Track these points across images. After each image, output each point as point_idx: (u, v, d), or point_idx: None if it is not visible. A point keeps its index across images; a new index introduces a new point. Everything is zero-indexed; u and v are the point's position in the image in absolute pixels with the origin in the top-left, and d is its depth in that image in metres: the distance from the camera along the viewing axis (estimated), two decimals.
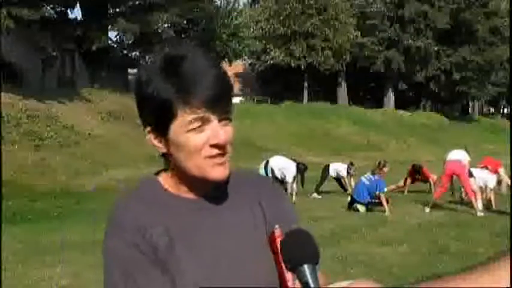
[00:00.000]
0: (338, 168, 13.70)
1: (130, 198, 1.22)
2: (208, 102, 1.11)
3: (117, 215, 1.18)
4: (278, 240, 1.19)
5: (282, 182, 12.23)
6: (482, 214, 10.25)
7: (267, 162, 12.38)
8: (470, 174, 10.80)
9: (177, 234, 1.16)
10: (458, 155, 11.27)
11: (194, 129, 1.12)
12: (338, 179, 13.87)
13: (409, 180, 13.75)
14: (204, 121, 1.12)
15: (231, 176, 1.25)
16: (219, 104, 1.13)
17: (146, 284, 1.12)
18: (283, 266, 1.16)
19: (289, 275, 1.17)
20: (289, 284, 1.17)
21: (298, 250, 1.07)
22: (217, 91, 1.12)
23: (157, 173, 1.26)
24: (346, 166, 13.65)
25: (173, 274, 1.13)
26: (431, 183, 13.12)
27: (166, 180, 1.23)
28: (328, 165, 13.78)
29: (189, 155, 1.14)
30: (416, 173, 13.64)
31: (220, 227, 1.20)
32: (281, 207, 1.29)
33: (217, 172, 1.16)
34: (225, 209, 1.22)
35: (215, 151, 1.14)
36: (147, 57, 36.41)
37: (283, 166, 12.25)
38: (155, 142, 1.18)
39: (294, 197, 11.94)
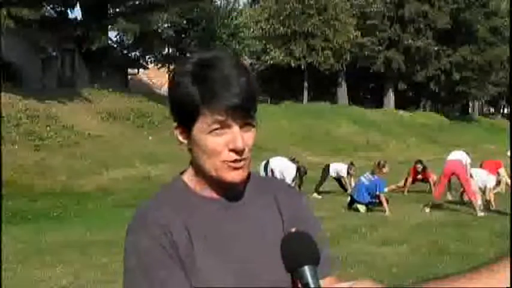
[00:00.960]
0: (338, 168, 13.70)
1: (156, 197, 1.27)
2: (230, 110, 1.15)
3: (142, 213, 1.23)
4: None
5: None
6: (482, 214, 10.25)
7: (267, 162, 12.37)
8: (470, 175, 10.81)
9: (196, 232, 1.20)
10: (458, 155, 11.29)
11: (214, 132, 1.17)
12: (338, 179, 13.86)
13: (409, 180, 13.73)
14: (225, 126, 1.17)
15: (251, 178, 1.30)
16: (241, 111, 1.17)
17: (167, 279, 1.15)
18: None
19: None
20: None
21: (299, 251, 1.07)
22: (240, 100, 1.16)
23: (183, 172, 1.31)
24: (346, 166, 13.65)
25: (189, 271, 1.17)
26: (431, 183, 13.11)
27: (189, 178, 1.28)
28: (329, 165, 13.77)
29: (207, 156, 1.19)
30: (418, 173, 13.62)
31: (240, 227, 1.24)
32: (298, 210, 1.33)
33: (233, 175, 1.20)
34: (245, 210, 1.26)
35: (233, 155, 1.18)
36: (147, 57, 36.49)
37: (283, 168, 12.23)
38: (180, 138, 1.24)
39: None
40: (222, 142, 1.17)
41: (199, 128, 1.17)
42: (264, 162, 12.49)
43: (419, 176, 13.64)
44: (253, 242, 1.23)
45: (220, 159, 1.18)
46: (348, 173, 13.53)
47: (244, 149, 1.18)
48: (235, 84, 1.16)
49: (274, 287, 1.20)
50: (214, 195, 1.25)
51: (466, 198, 11.40)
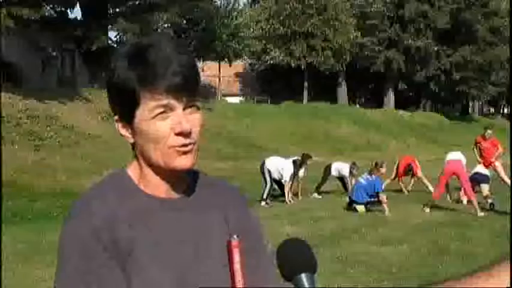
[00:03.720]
0: (339, 167, 13.57)
1: (98, 190, 1.19)
2: (171, 90, 1.10)
3: (88, 205, 1.15)
4: (235, 250, 1.19)
5: (280, 182, 12.21)
6: (482, 214, 10.25)
7: (263, 163, 12.31)
8: (485, 180, 10.91)
9: (140, 231, 1.14)
10: (458, 156, 11.30)
11: (158, 116, 1.11)
12: (341, 178, 13.70)
13: (401, 176, 13.76)
14: (168, 108, 1.11)
15: (199, 179, 1.25)
16: (183, 91, 1.11)
17: (104, 278, 1.10)
18: (235, 278, 1.16)
19: (240, 284, 1.16)
20: None
21: (295, 259, 1.06)
22: (181, 79, 1.10)
23: (127, 165, 1.24)
24: (347, 165, 13.55)
25: (130, 271, 1.11)
26: (422, 178, 13.22)
27: (133, 173, 1.21)
28: (330, 165, 13.66)
29: (153, 144, 1.13)
30: (408, 173, 13.72)
31: (183, 227, 1.19)
32: (246, 219, 1.28)
33: (181, 161, 1.14)
34: (191, 212, 1.21)
35: (180, 140, 1.12)
36: None
37: (281, 166, 12.20)
38: (122, 131, 1.17)
39: (288, 196, 12.02)
40: (167, 126, 1.11)
41: (141, 115, 1.11)
42: (261, 164, 12.45)
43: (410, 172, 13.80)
44: (194, 244, 1.18)
45: (167, 144, 1.12)
46: (351, 172, 13.40)
47: (191, 132, 1.12)
48: (175, 64, 1.10)
49: None
50: (159, 193, 1.19)
51: (464, 198, 11.42)
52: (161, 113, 1.11)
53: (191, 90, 1.13)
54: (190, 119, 1.13)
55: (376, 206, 10.96)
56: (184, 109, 1.12)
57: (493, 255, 6.26)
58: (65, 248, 1.12)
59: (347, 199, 11.53)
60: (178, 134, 1.12)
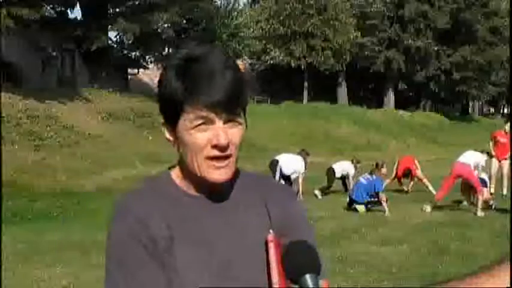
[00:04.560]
0: (343, 167, 13.45)
1: (140, 190, 1.25)
2: (212, 105, 1.13)
3: (125, 205, 1.21)
4: (271, 245, 1.19)
5: (286, 179, 12.22)
6: (482, 214, 10.23)
7: (277, 162, 12.31)
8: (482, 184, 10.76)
9: (178, 230, 1.18)
10: (467, 159, 10.84)
11: (197, 127, 1.14)
12: (343, 178, 13.61)
13: (401, 176, 13.74)
14: (208, 121, 1.14)
15: (240, 176, 1.27)
16: (224, 107, 1.13)
17: (144, 279, 1.13)
18: (272, 272, 1.16)
19: (275, 278, 1.16)
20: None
21: (300, 260, 1.07)
22: (224, 95, 1.13)
23: (172, 167, 1.28)
24: (348, 163, 13.49)
25: (169, 270, 1.14)
26: (422, 179, 13.19)
27: (177, 174, 1.25)
28: (331, 168, 13.50)
29: (191, 153, 1.17)
30: (406, 176, 13.70)
31: (223, 226, 1.21)
32: (290, 212, 1.29)
33: (215, 175, 1.17)
34: (230, 209, 1.23)
35: (216, 152, 1.15)
36: (147, 57, 36.51)
37: (293, 163, 12.28)
38: (167, 135, 1.21)
39: (301, 189, 12.04)
40: (204, 138, 1.14)
41: (183, 125, 1.15)
42: (270, 161, 12.45)
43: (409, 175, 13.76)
44: (233, 243, 1.20)
45: (203, 155, 1.15)
46: (356, 169, 13.33)
47: (227, 146, 1.15)
48: (219, 79, 1.13)
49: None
50: (200, 192, 1.22)
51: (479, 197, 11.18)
52: (201, 124, 1.14)
53: (233, 106, 1.15)
54: (230, 133, 1.15)
55: (376, 206, 10.95)
56: (224, 123, 1.15)
57: (493, 255, 6.26)
58: (108, 248, 1.18)
59: (347, 199, 11.52)
60: (214, 147, 1.15)
